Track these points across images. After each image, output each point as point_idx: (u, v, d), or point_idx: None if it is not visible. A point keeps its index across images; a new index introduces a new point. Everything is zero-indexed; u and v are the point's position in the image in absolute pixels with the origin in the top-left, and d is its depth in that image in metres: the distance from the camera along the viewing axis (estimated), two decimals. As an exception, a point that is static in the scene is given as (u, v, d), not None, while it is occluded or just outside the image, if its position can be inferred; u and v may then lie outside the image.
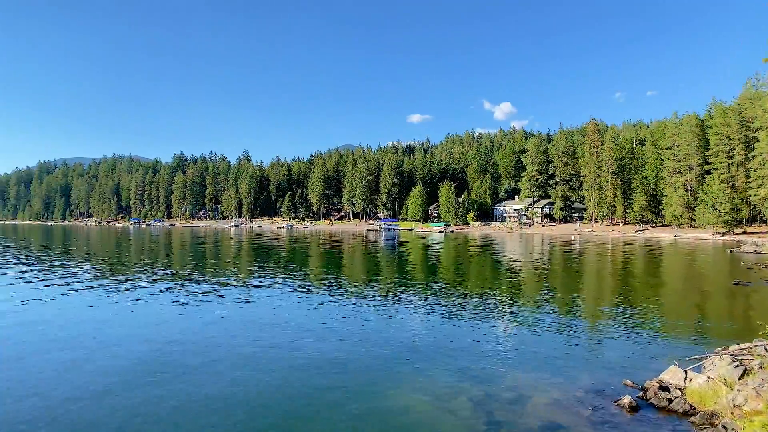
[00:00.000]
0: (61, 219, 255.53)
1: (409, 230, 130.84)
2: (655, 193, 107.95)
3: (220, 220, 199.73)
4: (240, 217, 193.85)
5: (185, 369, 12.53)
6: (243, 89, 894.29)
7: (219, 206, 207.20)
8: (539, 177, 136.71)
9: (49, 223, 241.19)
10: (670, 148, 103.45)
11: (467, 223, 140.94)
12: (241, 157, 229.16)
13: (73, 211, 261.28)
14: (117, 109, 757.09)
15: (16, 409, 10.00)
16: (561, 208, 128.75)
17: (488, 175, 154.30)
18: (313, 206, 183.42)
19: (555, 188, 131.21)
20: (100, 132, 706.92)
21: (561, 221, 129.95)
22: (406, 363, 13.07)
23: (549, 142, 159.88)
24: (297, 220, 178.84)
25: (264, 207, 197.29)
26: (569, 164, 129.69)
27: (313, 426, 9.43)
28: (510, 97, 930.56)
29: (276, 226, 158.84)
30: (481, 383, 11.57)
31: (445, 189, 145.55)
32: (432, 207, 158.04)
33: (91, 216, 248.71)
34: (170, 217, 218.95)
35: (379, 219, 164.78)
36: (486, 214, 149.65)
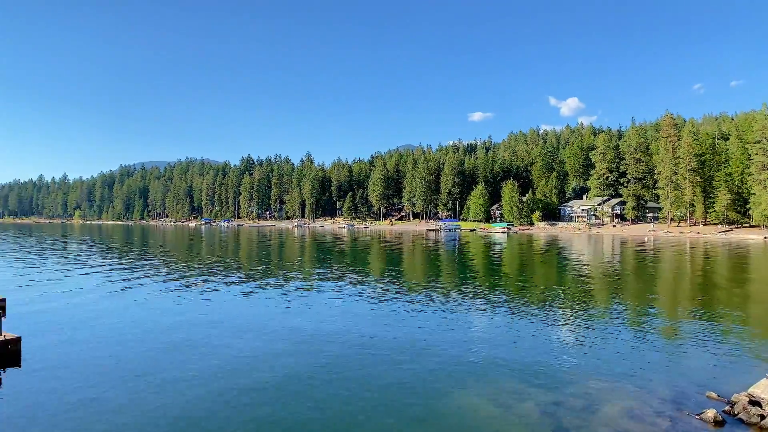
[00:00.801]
0: (139, 219, 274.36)
1: (471, 230, 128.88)
2: (740, 191, 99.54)
3: (284, 220, 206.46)
4: (303, 217, 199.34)
5: (244, 368, 12.94)
6: (305, 92, 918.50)
7: (283, 207, 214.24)
8: (609, 175, 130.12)
9: (129, 223, 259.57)
10: (759, 142, 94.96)
11: (532, 224, 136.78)
12: (304, 158, 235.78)
13: (150, 211, 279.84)
14: (189, 115, 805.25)
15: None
16: (633, 208, 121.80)
17: (554, 173, 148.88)
18: (373, 206, 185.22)
19: (627, 187, 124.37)
20: (174, 137, 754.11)
21: (633, 221, 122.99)
22: (469, 365, 12.79)
23: (620, 139, 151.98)
24: (358, 220, 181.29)
25: (326, 207, 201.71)
26: (642, 161, 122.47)
27: (374, 428, 9.41)
28: (577, 92, 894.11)
29: (337, 226, 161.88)
30: (548, 389, 11.08)
31: (508, 188, 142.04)
32: (494, 207, 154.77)
33: (167, 216, 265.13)
34: (238, 217, 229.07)
35: (440, 219, 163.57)
36: (552, 214, 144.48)
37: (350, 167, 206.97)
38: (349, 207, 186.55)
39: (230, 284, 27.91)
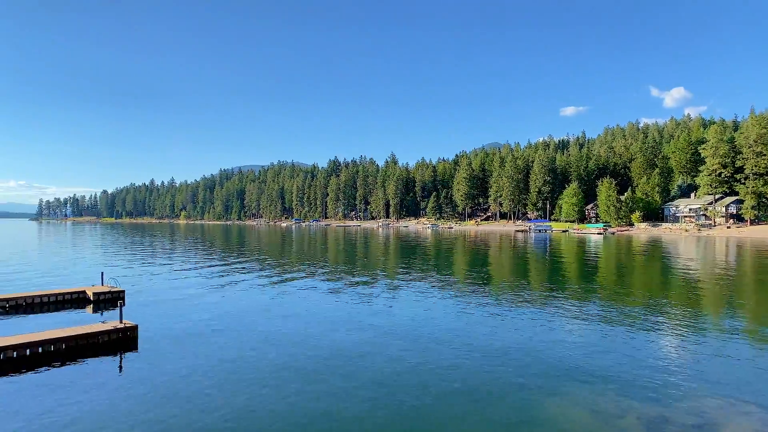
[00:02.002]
0: (237, 219, 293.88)
1: (563, 231, 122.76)
2: None
3: (369, 220, 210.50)
4: (387, 217, 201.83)
5: (339, 364, 13.19)
6: (390, 93, 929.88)
7: (368, 207, 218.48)
8: (722, 171, 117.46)
9: (228, 222, 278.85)
10: None
11: (631, 224, 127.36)
12: (389, 159, 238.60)
13: (246, 212, 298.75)
14: (281, 121, 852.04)
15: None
16: (752, 207, 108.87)
17: (657, 170, 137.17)
18: (458, 206, 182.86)
19: (744, 183, 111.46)
20: (267, 142, 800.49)
21: (753, 222, 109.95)
22: (564, 373, 12.05)
23: (735, 130, 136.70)
24: (442, 220, 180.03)
25: (410, 207, 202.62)
26: (764, 155, 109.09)
27: None
28: (683, 81, 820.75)
29: (421, 227, 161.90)
30: (654, 402, 10.12)
31: (605, 186, 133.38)
32: (589, 207, 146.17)
33: (261, 216, 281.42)
34: (326, 218, 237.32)
35: (529, 219, 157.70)
36: (654, 215, 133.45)
37: (434, 167, 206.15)
38: (433, 207, 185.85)
39: (322, 282, 28.85)
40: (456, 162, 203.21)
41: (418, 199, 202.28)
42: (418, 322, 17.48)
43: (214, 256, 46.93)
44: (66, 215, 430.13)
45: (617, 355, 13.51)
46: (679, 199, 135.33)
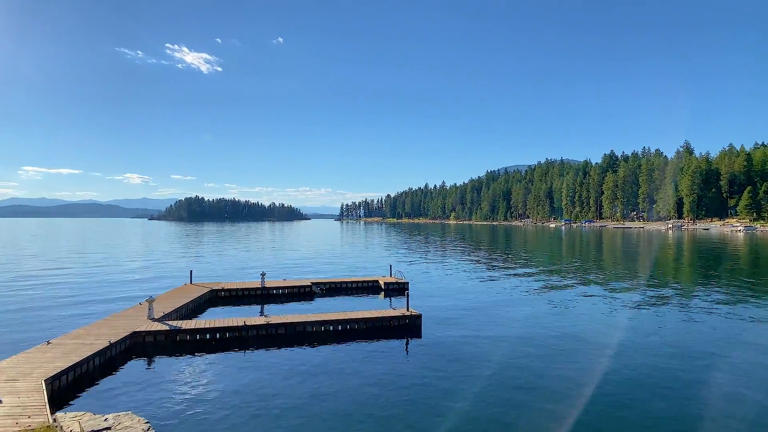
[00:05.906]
0: (503, 220, 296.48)
1: None
2: None
3: (655, 221, 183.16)
4: (679, 218, 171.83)
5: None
6: (678, 76, 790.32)
7: (653, 206, 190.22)
8: None
9: (495, 223, 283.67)
10: None
11: None
12: (681, 149, 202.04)
13: (512, 212, 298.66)
14: (546, 118, 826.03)
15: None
16: None
17: None
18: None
19: None
20: (533, 140, 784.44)
21: None
22: None
23: None
24: (761, 221, 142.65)
25: (711, 206, 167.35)
26: None
27: None
28: None
29: (728, 229, 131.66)
30: None
31: None
32: None
33: (527, 217, 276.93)
34: (600, 218, 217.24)
35: None
36: None
37: (748, 155, 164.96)
38: (747, 205, 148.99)
39: (604, 291, 26.03)
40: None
41: (724, 195, 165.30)
42: (702, 344, 13.51)
43: (484, 256, 47.94)
44: (359, 216, 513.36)
45: None
46: None
